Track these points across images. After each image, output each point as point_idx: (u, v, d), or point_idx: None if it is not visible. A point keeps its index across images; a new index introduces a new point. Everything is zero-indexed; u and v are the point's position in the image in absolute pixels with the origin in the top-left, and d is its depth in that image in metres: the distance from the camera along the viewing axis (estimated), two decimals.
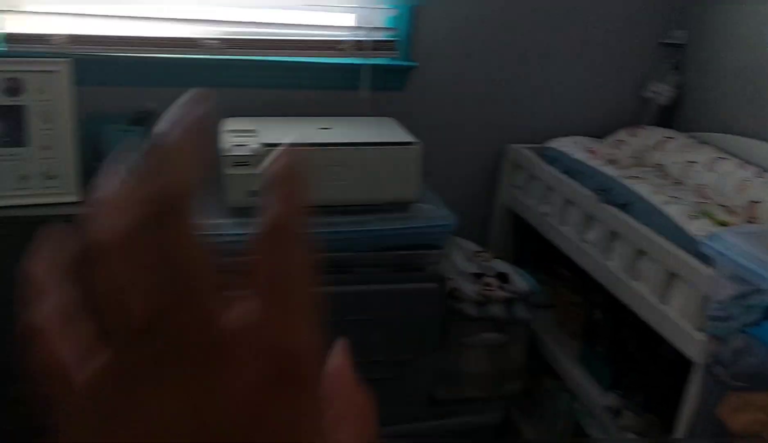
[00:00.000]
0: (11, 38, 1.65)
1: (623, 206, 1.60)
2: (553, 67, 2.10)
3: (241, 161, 1.49)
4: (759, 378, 1.07)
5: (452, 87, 2.02)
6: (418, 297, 1.61)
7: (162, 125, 0.22)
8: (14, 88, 1.53)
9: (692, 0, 2.11)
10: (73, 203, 1.55)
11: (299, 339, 0.21)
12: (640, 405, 1.59)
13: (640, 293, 1.50)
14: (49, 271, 0.21)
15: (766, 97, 1.85)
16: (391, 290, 1.58)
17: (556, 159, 1.91)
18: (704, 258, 1.33)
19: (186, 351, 0.19)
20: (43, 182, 1.55)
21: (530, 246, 2.17)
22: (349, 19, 1.91)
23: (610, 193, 1.65)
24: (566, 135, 2.05)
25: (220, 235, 1.45)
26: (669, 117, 2.18)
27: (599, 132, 2.15)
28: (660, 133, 2.05)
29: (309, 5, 1.83)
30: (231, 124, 1.63)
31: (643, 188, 1.61)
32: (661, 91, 2.14)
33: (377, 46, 1.86)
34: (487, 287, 1.76)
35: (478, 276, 1.81)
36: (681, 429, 1.34)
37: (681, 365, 1.51)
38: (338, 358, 0.28)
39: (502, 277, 1.81)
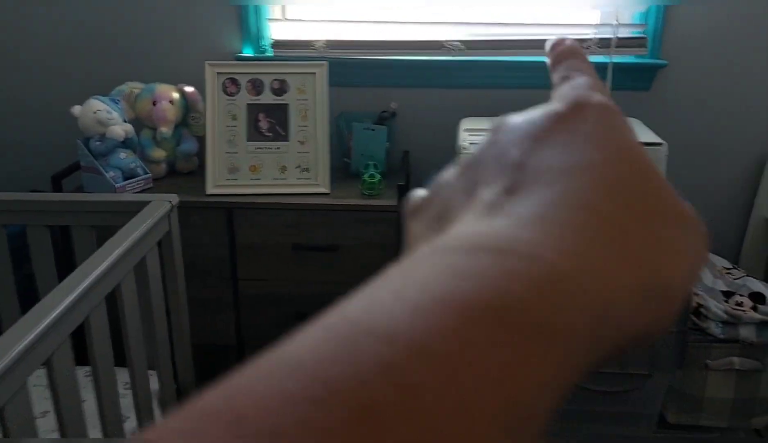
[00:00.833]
0: (277, 44, 1.86)
1: None
2: None
3: None
4: None
5: (705, 89, 1.85)
6: None
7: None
8: (280, 88, 1.72)
9: None
10: (322, 194, 1.69)
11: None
12: None
13: None
14: None
15: None
16: None
17: None
18: None
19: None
20: (299, 174, 1.72)
21: None
22: (594, 16, 1.84)
23: None
24: None
25: None
26: None
27: None
28: None
29: (553, 3, 1.80)
30: (469, 123, 1.67)
31: None
32: None
33: (624, 43, 1.76)
34: (738, 307, 1.59)
35: (727, 295, 1.64)
36: None
37: None
38: None
39: (757, 297, 1.61)
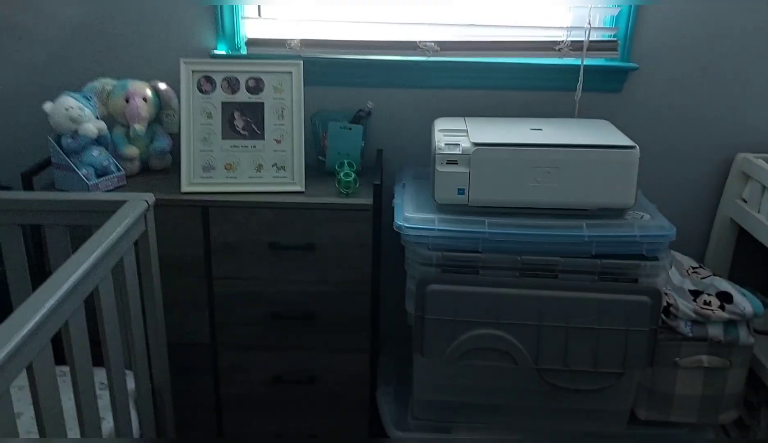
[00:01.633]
0: (251, 42, 1.85)
1: None
2: None
3: (452, 160, 1.52)
4: None
5: (674, 90, 1.89)
6: (628, 309, 1.53)
7: None
8: (256, 87, 1.71)
9: None
10: (298, 193, 1.69)
11: None
12: None
13: None
14: None
15: None
16: (599, 300, 1.52)
17: None
18: None
19: None
20: (275, 172, 1.71)
21: (754, 264, 1.97)
22: (566, 19, 1.86)
23: None
24: None
25: (427, 229, 1.51)
26: None
27: None
28: None
29: (526, 6, 1.82)
30: (443, 123, 1.68)
31: None
32: None
33: (596, 46, 1.79)
34: (706, 307, 1.63)
35: (695, 294, 1.67)
36: None
37: None
38: None
39: (724, 296, 1.66)
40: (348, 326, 1.75)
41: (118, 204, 1.36)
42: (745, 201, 1.89)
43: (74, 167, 1.61)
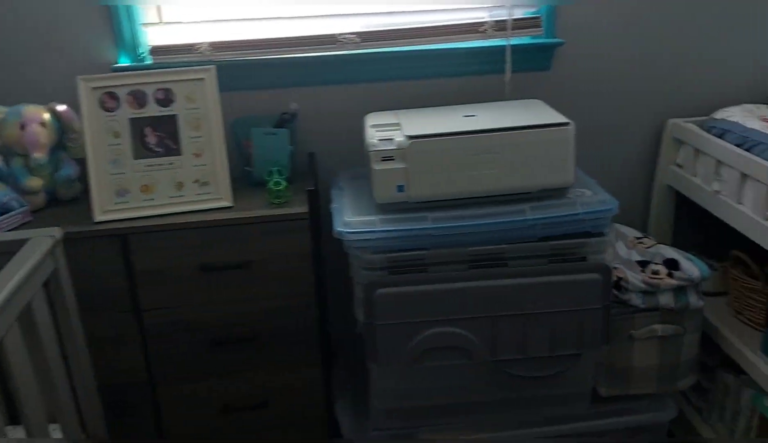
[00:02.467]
0: (156, 50, 1.71)
1: None
2: (708, 28, 1.88)
3: (387, 156, 1.44)
4: None
5: (602, 63, 1.87)
6: (580, 289, 1.49)
7: None
8: (166, 98, 1.58)
9: None
10: (226, 208, 1.57)
11: None
12: None
13: None
14: None
15: None
16: (550, 283, 1.48)
17: (726, 131, 1.71)
18: None
19: None
20: (197, 189, 1.59)
21: (695, 228, 1.98)
22: None
23: None
24: (733, 104, 1.84)
25: (368, 232, 1.42)
26: None
27: (765, 97, 1.92)
28: None
29: None
30: (374, 118, 1.60)
31: None
32: None
33: (520, 24, 1.75)
34: (655, 276, 1.61)
35: (643, 264, 1.66)
36: None
37: None
38: None
39: (671, 264, 1.65)
40: (296, 343, 1.65)
41: (18, 244, 1.22)
42: (680, 166, 1.90)
43: None
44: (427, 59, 1.78)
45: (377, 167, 1.44)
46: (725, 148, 1.67)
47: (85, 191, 1.64)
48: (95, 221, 1.52)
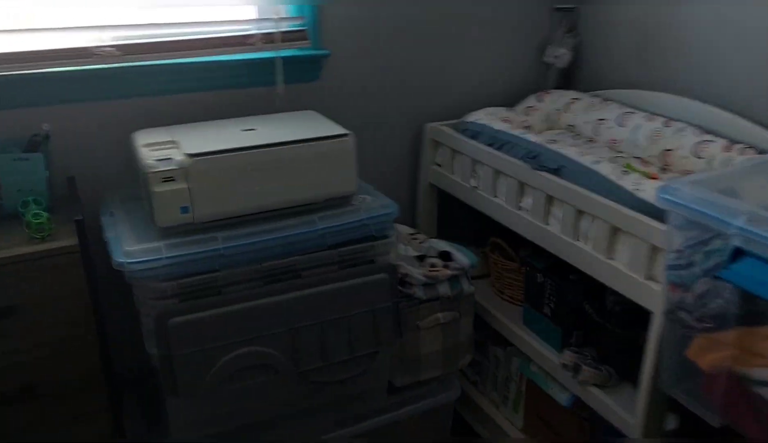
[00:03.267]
0: None
1: (556, 171, 1.64)
2: (456, 43, 2.10)
3: (167, 177, 1.37)
4: (723, 317, 1.13)
5: (366, 72, 1.97)
6: (371, 290, 1.57)
7: None
8: None
9: None
10: None
11: None
12: (595, 358, 1.66)
13: (585, 251, 1.55)
14: None
15: (657, 50, 1.96)
16: (343, 288, 1.53)
17: (478, 132, 1.92)
18: (645, 210, 1.39)
19: None
20: None
21: (455, 220, 2.19)
22: (251, 12, 1.80)
23: (540, 159, 1.68)
24: (479, 108, 2.07)
25: (154, 260, 1.34)
26: (570, 79, 2.27)
27: (508, 101, 2.20)
28: (566, 95, 2.12)
29: (206, 2, 1.71)
30: (145, 137, 1.50)
31: (571, 151, 1.66)
32: (560, 55, 2.20)
33: (288, 37, 1.77)
34: (433, 268, 1.75)
35: (420, 258, 1.79)
36: (645, 376, 1.41)
37: (628, 315, 1.58)
38: None
39: (445, 255, 1.81)
40: (81, 392, 1.48)
41: None
42: (440, 166, 2.08)
43: None
44: (195, 72, 1.72)
45: (157, 189, 1.35)
46: (479, 148, 1.87)
47: None
48: None
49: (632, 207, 1.43)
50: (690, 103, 1.82)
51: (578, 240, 1.58)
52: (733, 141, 1.62)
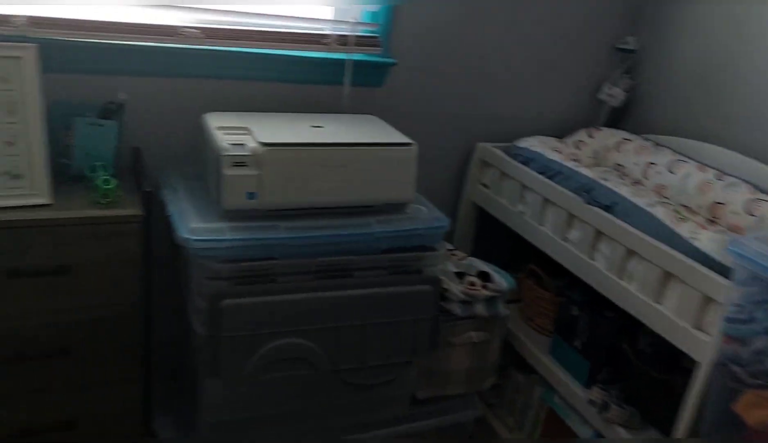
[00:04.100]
0: None
1: (608, 208, 1.66)
2: (516, 72, 2.13)
3: (240, 162, 1.40)
4: None
5: (427, 85, 2.00)
6: (416, 300, 1.59)
7: None
8: None
9: (645, 5, 2.22)
10: (42, 206, 1.39)
11: None
12: (621, 397, 1.67)
13: (630, 291, 1.57)
14: None
15: (716, 101, 1.99)
16: (390, 294, 1.55)
17: (530, 159, 1.94)
18: (699, 259, 1.41)
19: None
20: (7, 182, 1.38)
21: (493, 242, 2.21)
22: (328, 12, 1.84)
23: (593, 194, 1.70)
24: (529, 134, 2.10)
25: (217, 240, 1.37)
26: (620, 119, 2.29)
27: (558, 131, 2.23)
28: (617, 135, 2.14)
29: None
30: (219, 119, 1.53)
31: (624, 190, 1.68)
32: (614, 94, 2.24)
33: (361, 41, 1.80)
34: (472, 287, 1.77)
35: (460, 275, 1.81)
36: (683, 423, 1.42)
37: (662, 357, 1.60)
38: None
39: (484, 276, 1.82)
40: (115, 357, 1.51)
41: None
42: (486, 186, 2.11)
43: None
44: (268, 63, 1.74)
45: (228, 172, 1.38)
46: (530, 175, 1.89)
47: None
48: None
49: (686, 254, 1.45)
50: (743, 159, 1.84)
51: (623, 279, 1.60)
52: None
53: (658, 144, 2.06)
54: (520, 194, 1.95)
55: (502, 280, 1.83)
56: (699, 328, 1.40)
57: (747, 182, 1.76)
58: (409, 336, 1.62)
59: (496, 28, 2.04)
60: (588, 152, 2.14)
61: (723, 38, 1.98)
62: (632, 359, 1.67)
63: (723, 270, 1.35)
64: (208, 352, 1.42)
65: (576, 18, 2.16)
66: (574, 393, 1.76)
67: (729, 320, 1.21)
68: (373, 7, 1.83)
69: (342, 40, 1.78)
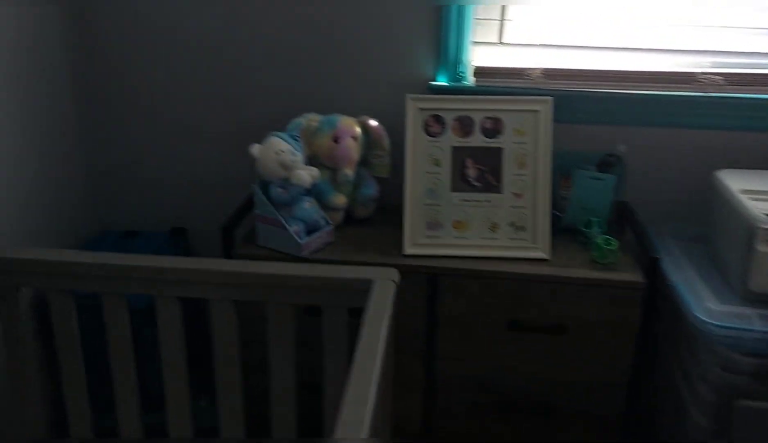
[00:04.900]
0: (481, 72, 1.54)
1: None
2: None
3: None
4: None
5: None
6: None
7: None
8: (493, 128, 1.41)
9: None
10: (540, 260, 1.37)
11: None
12: None
13: None
14: None
15: None
16: None
17: None
18: None
19: None
20: (512, 234, 1.41)
21: None
22: None
23: None
24: None
25: (742, 330, 1.15)
26: None
27: None
28: None
29: None
30: (739, 179, 1.32)
31: None
32: None
33: None
34: None
35: None
36: None
37: None
38: None
39: None
40: (592, 424, 1.42)
41: (361, 283, 1.09)
42: None
43: (284, 223, 1.35)
44: None
45: (763, 249, 1.16)
46: None
47: (378, 211, 1.53)
48: (405, 253, 1.38)
49: None
50: None
51: None
52: None
53: None
54: None
55: None
56: None
57: None
58: None
59: None
60: None
61: None
62: None
63: None
64: None
65: None
66: None
67: None
68: None
69: None
